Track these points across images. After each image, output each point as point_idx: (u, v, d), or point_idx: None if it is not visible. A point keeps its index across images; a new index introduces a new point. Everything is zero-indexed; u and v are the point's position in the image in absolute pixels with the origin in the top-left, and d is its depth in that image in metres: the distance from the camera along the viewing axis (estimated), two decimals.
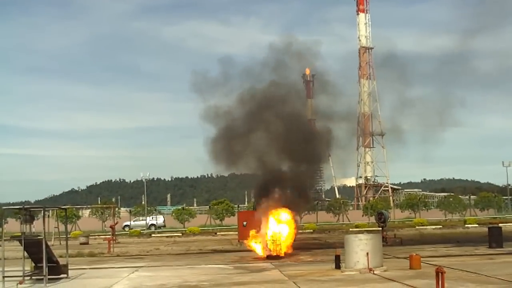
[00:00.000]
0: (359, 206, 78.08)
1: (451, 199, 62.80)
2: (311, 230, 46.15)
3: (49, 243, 19.81)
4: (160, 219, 59.01)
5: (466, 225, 46.17)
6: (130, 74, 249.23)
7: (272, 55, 28.81)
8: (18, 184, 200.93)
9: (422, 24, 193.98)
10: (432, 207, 65.94)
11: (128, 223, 56.73)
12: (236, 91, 27.72)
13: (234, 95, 27.70)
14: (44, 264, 15.77)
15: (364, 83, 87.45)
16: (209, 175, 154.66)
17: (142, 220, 57.58)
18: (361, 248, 16.34)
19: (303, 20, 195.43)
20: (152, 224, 57.27)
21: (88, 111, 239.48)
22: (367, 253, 16.12)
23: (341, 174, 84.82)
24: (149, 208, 62.84)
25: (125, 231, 52.90)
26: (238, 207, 59.37)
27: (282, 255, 22.59)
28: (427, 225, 47.47)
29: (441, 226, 46.81)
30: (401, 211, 61.71)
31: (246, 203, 78.71)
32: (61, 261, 17.70)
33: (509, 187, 68.46)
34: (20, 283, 15.75)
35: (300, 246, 27.93)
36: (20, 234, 17.06)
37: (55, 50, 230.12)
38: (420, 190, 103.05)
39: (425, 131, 35.67)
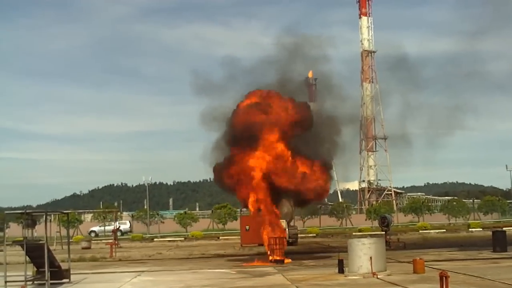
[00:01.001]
0: (362, 210, 77.86)
1: (454, 203, 62.67)
2: (314, 234, 46.10)
3: (51, 247, 19.80)
4: (126, 225, 59.00)
5: (470, 229, 45.98)
6: (131, 77, 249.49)
7: (279, 53, 28.58)
8: (20, 188, 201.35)
9: (425, 27, 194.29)
10: (436, 211, 65.72)
11: (94, 228, 56.99)
12: (239, 92, 27.35)
13: (237, 95, 27.30)
14: (46, 269, 15.74)
15: (367, 86, 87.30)
16: (212, 179, 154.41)
17: (108, 225, 56.46)
18: (364, 252, 16.26)
19: (304, 23, 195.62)
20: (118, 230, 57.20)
21: (90, 115, 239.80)
22: (371, 258, 16.04)
23: (344, 178, 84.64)
24: (151, 213, 62.84)
25: (90, 236, 53.45)
26: (241, 211, 59.26)
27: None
28: (430, 229, 47.35)
29: (444, 230, 46.65)
30: (405, 215, 61.59)
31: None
32: (63, 266, 17.65)
33: None
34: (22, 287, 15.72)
35: (303, 250, 27.86)
36: (22, 238, 17.02)
37: (55, 52, 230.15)
38: (424, 194, 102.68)
39: (430, 135, 35.56)
